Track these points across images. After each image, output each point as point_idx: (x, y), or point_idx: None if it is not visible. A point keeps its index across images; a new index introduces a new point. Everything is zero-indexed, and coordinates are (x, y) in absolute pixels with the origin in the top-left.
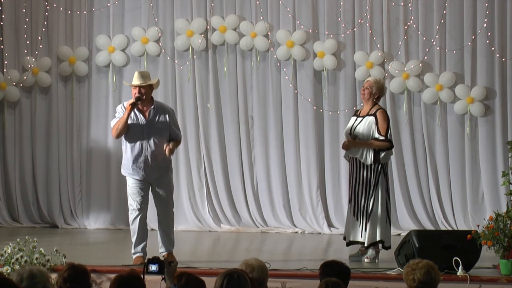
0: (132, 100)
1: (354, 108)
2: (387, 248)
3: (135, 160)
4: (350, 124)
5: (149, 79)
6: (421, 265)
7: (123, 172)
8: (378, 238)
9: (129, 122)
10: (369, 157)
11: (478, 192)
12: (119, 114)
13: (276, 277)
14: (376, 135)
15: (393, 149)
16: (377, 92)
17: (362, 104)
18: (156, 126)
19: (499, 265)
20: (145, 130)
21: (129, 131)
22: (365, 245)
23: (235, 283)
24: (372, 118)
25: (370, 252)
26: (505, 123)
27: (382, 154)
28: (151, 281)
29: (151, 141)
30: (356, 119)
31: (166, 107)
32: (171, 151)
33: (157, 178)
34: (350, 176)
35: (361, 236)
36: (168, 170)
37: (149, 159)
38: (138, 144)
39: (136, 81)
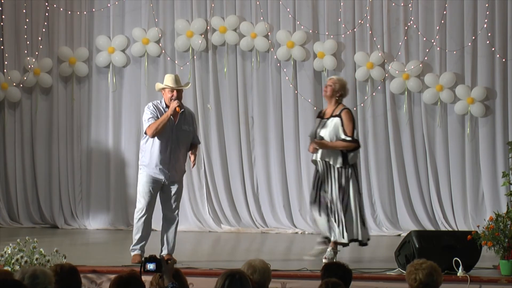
0: (177, 103)
1: (355, 108)
2: (363, 244)
3: (163, 161)
4: (314, 127)
5: (181, 83)
6: (425, 266)
7: (143, 170)
8: (355, 237)
9: None
10: (339, 160)
11: (478, 193)
12: (153, 114)
13: (277, 277)
14: (343, 136)
15: (359, 149)
16: (340, 89)
17: (362, 105)
18: (183, 130)
19: (499, 266)
20: (173, 133)
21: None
22: (345, 242)
23: (237, 284)
24: (337, 119)
25: (329, 252)
26: (506, 123)
27: (350, 155)
28: (148, 280)
29: (178, 144)
30: (321, 121)
31: (191, 112)
32: (194, 162)
33: (175, 180)
34: (316, 178)
35: (329, 233)
36: (184, 173)
37: (175, 161)
38: (167, 146)
39: (174, 83)
